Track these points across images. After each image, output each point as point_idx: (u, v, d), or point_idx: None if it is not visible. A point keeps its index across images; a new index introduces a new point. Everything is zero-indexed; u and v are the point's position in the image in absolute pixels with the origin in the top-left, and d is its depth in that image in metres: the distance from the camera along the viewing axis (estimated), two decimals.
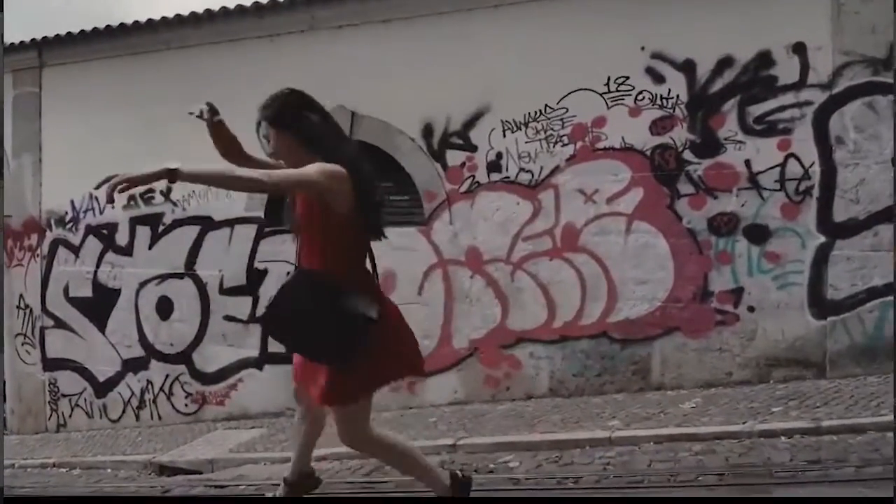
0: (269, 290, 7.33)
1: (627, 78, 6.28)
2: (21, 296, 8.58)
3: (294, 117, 2.76)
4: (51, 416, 8.48)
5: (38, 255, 8.54)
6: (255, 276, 7.48)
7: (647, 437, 4.95)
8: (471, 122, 6.71)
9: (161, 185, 7.85)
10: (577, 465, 4.77)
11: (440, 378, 6.77)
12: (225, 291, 7.64)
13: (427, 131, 6.87)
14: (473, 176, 6.72)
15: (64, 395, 8.45)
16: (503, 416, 6.01)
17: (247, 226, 7.55)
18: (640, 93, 6.25)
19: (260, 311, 7.51)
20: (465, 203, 6.75)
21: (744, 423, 4.94)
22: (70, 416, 8.41)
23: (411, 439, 5.83)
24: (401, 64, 6.94)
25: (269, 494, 4.20)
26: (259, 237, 7.48)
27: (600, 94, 6.34)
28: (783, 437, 4.64)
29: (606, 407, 5.86)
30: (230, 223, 7.61)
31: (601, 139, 6.34)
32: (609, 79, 6.31)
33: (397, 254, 6.98)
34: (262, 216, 7.50)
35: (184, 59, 7.78)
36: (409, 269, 6.94)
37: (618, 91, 6.31)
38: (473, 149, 6.71)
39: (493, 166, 6.65)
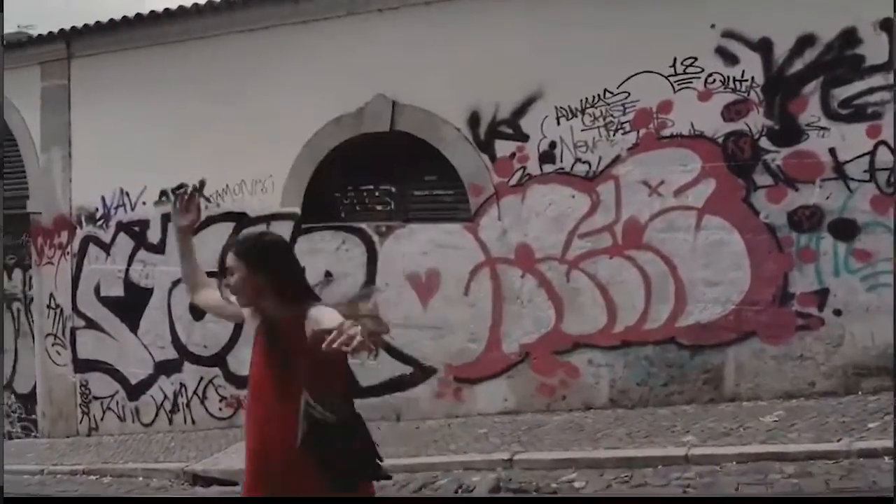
0: None
1: (696, 59, 5.72)
2: (51, 295, 8.31)
3: (274, 262, 2.56)
4: (82, 419, 8.20)
5: (68, 253, 8.26)
6: None
7: (730, 456, 4.46)
8: (521, 110, 6.21)
9: (194, 180, 7.65)
10: (652, 486, 4.30)
11: (488, 385, 6.32)
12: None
13: (473, 120, 6.39)
14: (524, 168, 6.23)
15: (95, 398, 8.17)
16: (561, 429, 5.53)
17: (283, 222, 7.15)
18: (711, 75, 5.69)
19: None
20: (515, 197, 6.26)
21: (838, 440, 4.41)
22: (102, 419, 8.13)
23: (460, 451, 5.42)
24: (444, 48, 6.47)
25: None
26: (296, 234, 7.08)
27: (666, 77, 5.79)
28: (886, 458, 4.11)
29: (676, 420, 5.35)
30: (265, 219, 7.22)
31: (667, 126, 5.80)
32: (675, 60, 5.76)
33: (442, 252, 6.55)
34: (299, 212, 7.10)
35: (215, 48, 7.41)
36: (455, 267, 6.49)
37: (685, 73, 5.76)
38: (524, 138, 6.21)
39: (547, 157, 6.14)
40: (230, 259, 2.56)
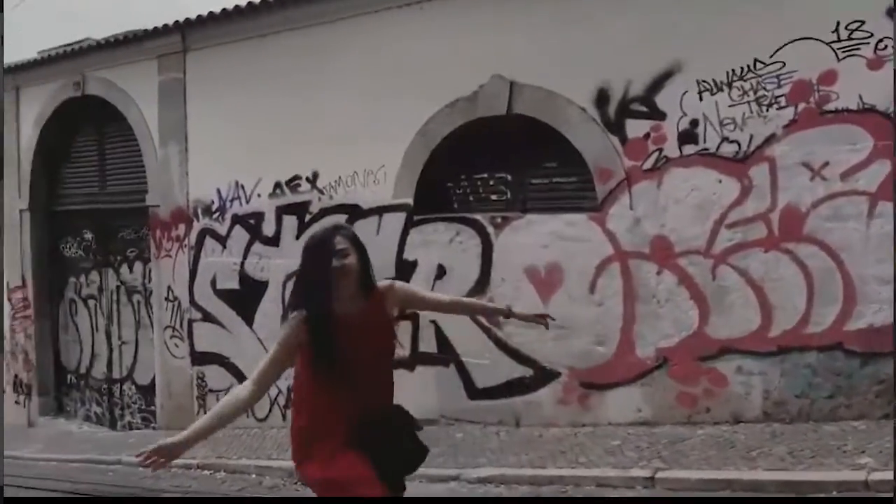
0: (418, 281, 6.59)
1: (863, 22, 4.92)
2: (169, 287, 8.39)
3: (364, 252, 2.68)
4: (199, 411, 8.23)
5: (185, 246, 8.30)
6: (405, 268, 6.75)
7: None
8: (657, 85, 5.57)
9: (307, 171, 7.47)
10: None
11: (620, 392, 5.74)
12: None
13: (601, 98, 5.81)
14: (661, 149, 5.59)
15: (212, 391, 8.18)
16: (707, 445, 4.90)
17: (395, 214, 6.83)
18: (881, 40, 4.86)
19: None
20: (650, 182, 5.63)
21: None
22: None
23: (592, 465, 4.90)
24: (567, 20, 5.92)
25: None
26: (408, 225, 6.75)
27: (828, 44, 5.01)
28: None
29: (846, 438, 4.61)
30: (378, 211, 6.93)
31: (831, 99, 5.02)
32: (839, 24, 4.97)
33: (564, 245, 6.03)
34: (411, 203, 6.76)
35: (328, 35, 7.14)
36: (579, 262, 5.94)
37: (851, 39, 4.96)
38: (661, 116, 5.57)
39: (687, 136, 5.48)
40: (342, 241, 2.59)
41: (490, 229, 6.39)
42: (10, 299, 10.10)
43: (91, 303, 9.84)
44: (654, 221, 5.60)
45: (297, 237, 7.48)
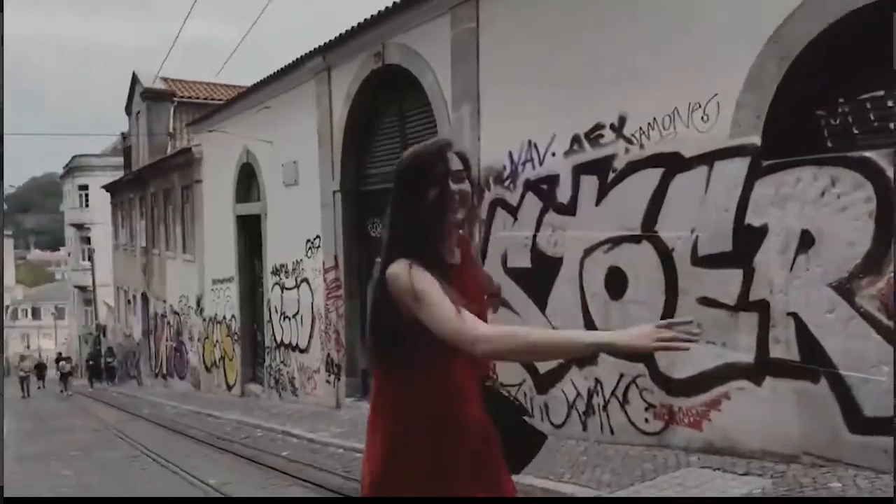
0: (770, 255, 4.60)
1: None
2: None
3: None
4: None
5: (478, 220, 7.28)
6: (748, 238, 4.81)
7: None
8: None
9: (612, 117, 5.90)
10: None
11: None
12: (700, 261, 5.14)
13: None
14: None
15: (503, 385, 7.02)
16: None
17: (733, 160, 4.91)
18: None
19: (756, 290, 4.80)
20: None
21: None
22: None
23: None
24: None
25: None
26: (753, 175, 4.78)
27: None
28: None
29: None
30: (708, 158, 5.07)
31: None
32: None
33: None
34: (758, 143, 4.77)
35: None
36: None
37: None
38: None
39: None
40: (458, 163, 1.88)
41: (890, 172, 4.13)
42: (324, 279, 10.23)
43: None
44: None
45: (598, 203, 5.94)
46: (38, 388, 27.36)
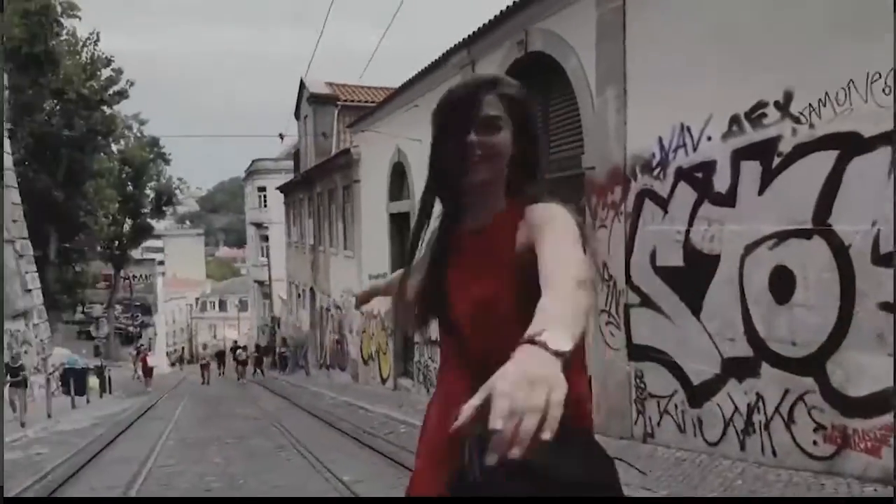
0: None
1: None
2: (605, 264, 6.93)
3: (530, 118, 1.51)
4: (637, 419, 6.59)
5: (621, 213, 6.74)
6: None
7: None
8: None
9: (776, 94, 5.16)
10: None
11: None
12: (881, 260, 4.32)
13: None
14: None
15: (652, 396, 6.44)
16: None
17: None
18: None
19: None
20: None
21: None
22: (658, 423, 6.35)
23: None
24: None
25: None
26: None
27: None
28: None
29: None
30: (890, 139, 4.24)
31: None
32: None
33: None
34: None
35: None
36: None
37: None
38: None
39: None
40: (493, 105, 1.43)
41: None
42: None
43: None
44: None
45: (760, 192, 5.21)
46: (220, 374, 29.76)
